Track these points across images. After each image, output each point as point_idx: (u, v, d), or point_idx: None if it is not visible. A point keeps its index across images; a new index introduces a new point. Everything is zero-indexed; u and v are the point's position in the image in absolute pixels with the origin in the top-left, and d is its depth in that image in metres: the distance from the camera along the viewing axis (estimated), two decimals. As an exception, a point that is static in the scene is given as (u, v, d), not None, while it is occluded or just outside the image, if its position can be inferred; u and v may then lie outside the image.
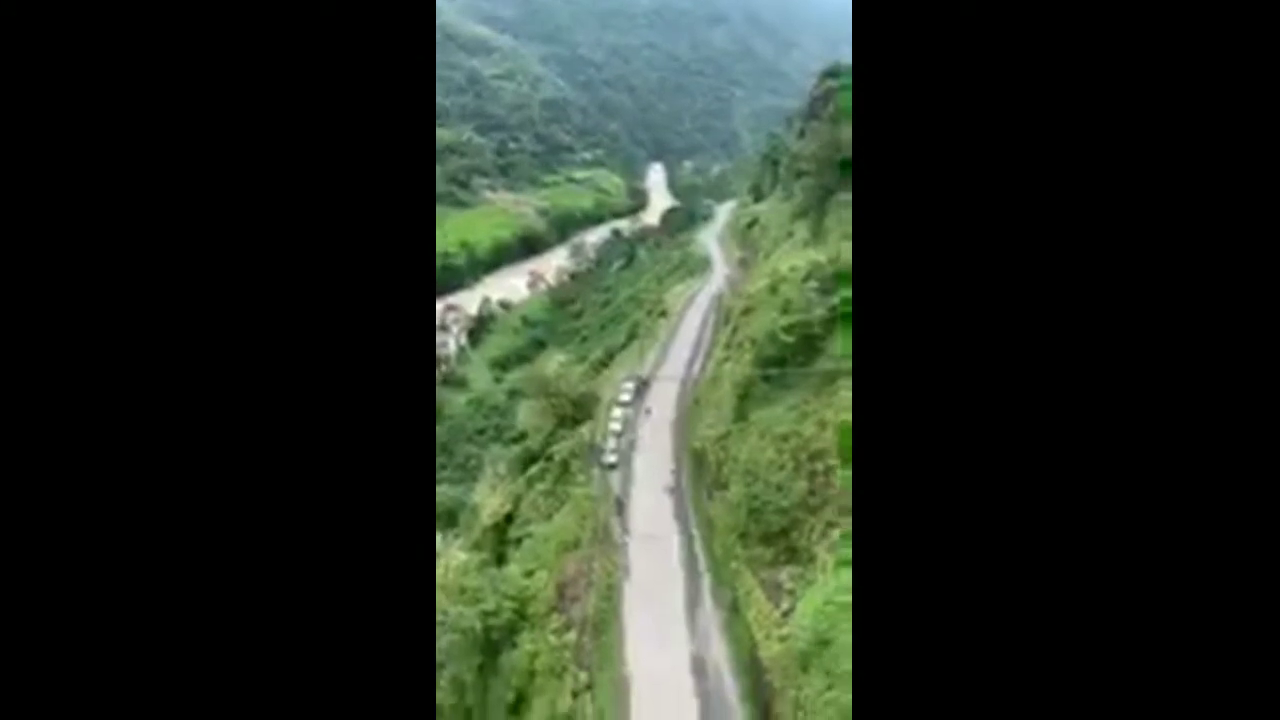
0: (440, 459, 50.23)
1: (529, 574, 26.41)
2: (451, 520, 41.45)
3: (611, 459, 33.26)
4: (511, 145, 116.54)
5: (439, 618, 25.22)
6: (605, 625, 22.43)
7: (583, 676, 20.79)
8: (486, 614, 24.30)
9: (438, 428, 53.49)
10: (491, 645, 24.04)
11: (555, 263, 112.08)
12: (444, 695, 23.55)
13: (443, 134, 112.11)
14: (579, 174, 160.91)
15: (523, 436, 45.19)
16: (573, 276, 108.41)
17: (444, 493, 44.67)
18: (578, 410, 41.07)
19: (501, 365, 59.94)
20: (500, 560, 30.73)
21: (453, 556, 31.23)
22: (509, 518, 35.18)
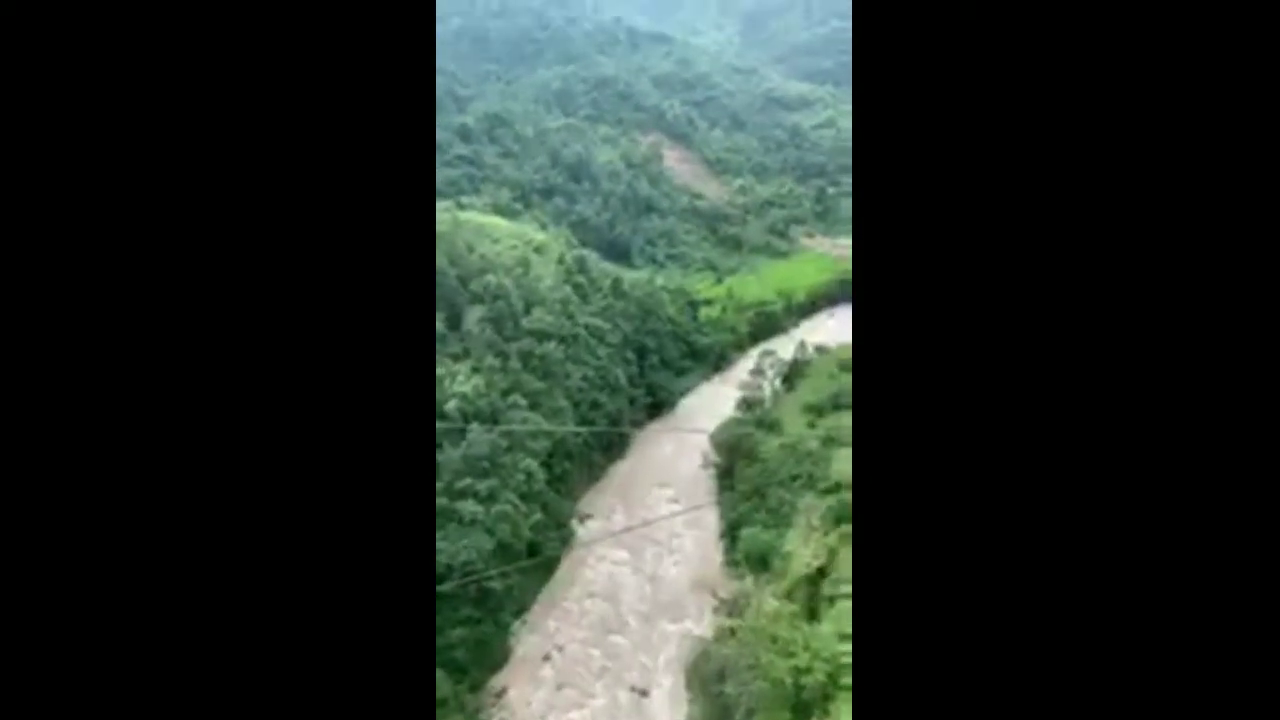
0: (753, 502, 50.94)
1: (844, 638, 25.03)
2: (764, 564, 41.55)
3: None
4: (830, 190, 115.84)
5: (749, 662, 25.22)
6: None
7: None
8: (798, 670, 23.64)
9: (751, 470, 54.52)
10: (803, 704, 23.23)
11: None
12: (754, 744, 23.37)
13: (762, 189, 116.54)
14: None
15: (837, 488, 43.47)
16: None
17: (755, 535, 45.14)
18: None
19: (816, 411, 58.80)
20: (812, 615, 29.74)
21: (765, 602, 31.17)
22: (821, 571, 33.95)
